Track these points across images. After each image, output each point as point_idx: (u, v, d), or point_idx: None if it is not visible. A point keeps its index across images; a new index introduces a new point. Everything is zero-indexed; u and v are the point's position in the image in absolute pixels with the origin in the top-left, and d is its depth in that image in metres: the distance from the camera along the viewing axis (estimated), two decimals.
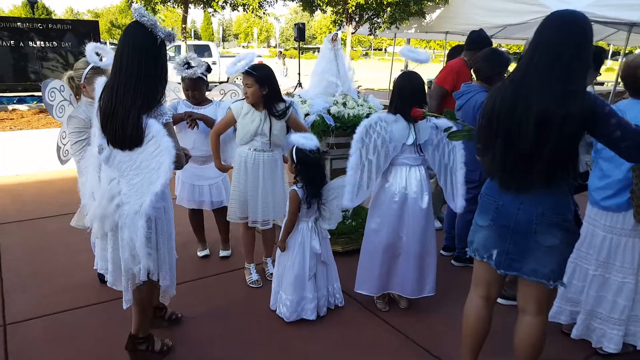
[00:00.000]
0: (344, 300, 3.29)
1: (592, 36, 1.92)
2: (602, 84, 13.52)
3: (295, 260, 3.02)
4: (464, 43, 4.57)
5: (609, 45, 19.53)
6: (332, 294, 3.23)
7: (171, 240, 2.51)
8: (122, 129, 2.17)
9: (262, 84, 3.08)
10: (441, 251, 4.04)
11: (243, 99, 3.21)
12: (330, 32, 4.21)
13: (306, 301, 3.06)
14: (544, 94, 1.90)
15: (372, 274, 3.10)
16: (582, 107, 1.86)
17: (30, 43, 8.51)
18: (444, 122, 2.76)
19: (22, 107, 9.06)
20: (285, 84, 16.05)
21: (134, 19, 2.18)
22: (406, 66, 19.49)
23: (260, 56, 21.33)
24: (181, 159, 2.34)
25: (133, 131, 2.15)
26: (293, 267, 3.02)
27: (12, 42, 8.34)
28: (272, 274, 3.54)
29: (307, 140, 2.87)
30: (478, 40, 4.32)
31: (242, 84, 3.24)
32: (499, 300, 3.21)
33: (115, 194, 2.28)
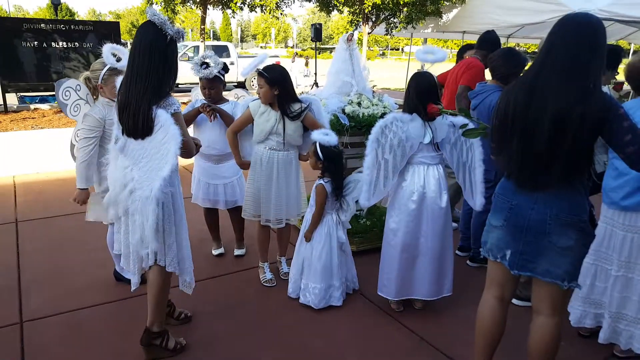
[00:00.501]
0: (359, 303, 3.32)
1: (606, 37, 1.92)
2: (622, 83, 13.29)
3: (322, 250, 3.15)
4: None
5: (630, 44, 19.20)
6: (351, 280, 3.38)
7: (181, 228, 2.56)
8: (134, 119, 2.31)
9: (272, 85, 3.12)
10: (457, 251, 4.02)
11: (259, 101, 3.25)
12: (346, 32, 4.22)
13: (333, 289, 3.21)
14: (559, 93, 1.89)
15: (391, 276, 3.10)
16: (598, 106, 1.85)
17: (53, 44, 8.69)
18: (461, 119, 2.76)
19: (44, 107, 9.25)
20: (306, 84, 16.08)
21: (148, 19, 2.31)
22: (422, 66, 19.35)
23: (277, 56, 21.35)
24: (190, 147, 2.45)
25: (144, 121, 2.29)
26: (321, 257, 3.15)
27: (36, 42, 8.53)
28: (286, 272, 3.59)
29: (329, 137, 3.02)
30: (490, 40, 4.37)
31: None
32: (514, 301, 3.19)
33: (128, 181, 2.40)
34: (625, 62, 3.06)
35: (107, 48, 2.91)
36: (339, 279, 3.21)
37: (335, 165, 3.09)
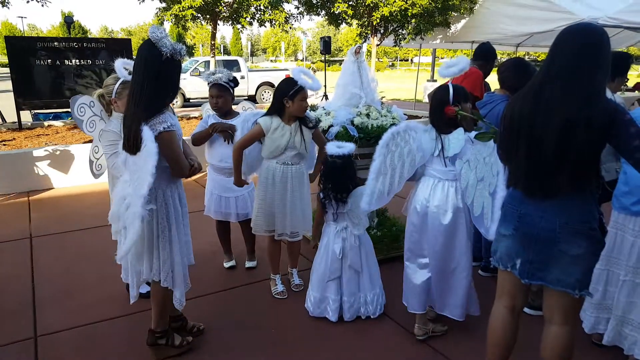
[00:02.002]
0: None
1: (609, 45, 1.94)
2: (633, 90, 13.19)
3: (321, 260, 3.16)
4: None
5: None
6: (364, 304, 3.22)
7: (175, 244, 2.58)
8: (127, 134, 2.39)
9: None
10: None
11: (270, 115, 3.24)
12: (355, 45, 4.25)
13: (328, 301, 3.20)
14: (564, 101, 1.91)
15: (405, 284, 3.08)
16: (603, 112, 1.86)
17: (66, 61, 8.84)
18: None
19: (58, 123, 9.39)
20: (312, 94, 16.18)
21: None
22: (432, 76, 19.42)
23: (287, 69, 21.51)
24: (180, 167, 2.47)
25: (134, 137, 2.34)
26: (319, 267, 3.18)
27: (49, 60, 8.68)
28: (297, 284, 3.60)
29: (337, 147, 3.04)
30: (485, 51, 4.60)
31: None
32: (527, 310, 3.17)
33: (126, 195, 2.46)
34: (635, 67, 3.06)
35: (120, 63, 2.97)
36: (335, 294, 3.16)
37: (327, 172, 3.08)
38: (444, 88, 2.80)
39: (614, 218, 2.73)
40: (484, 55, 4.61)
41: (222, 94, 3.64)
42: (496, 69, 3.78)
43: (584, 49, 1.91)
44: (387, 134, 2.82)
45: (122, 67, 2.96)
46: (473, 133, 2.65)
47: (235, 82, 3.68)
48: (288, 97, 3.14)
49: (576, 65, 1.91)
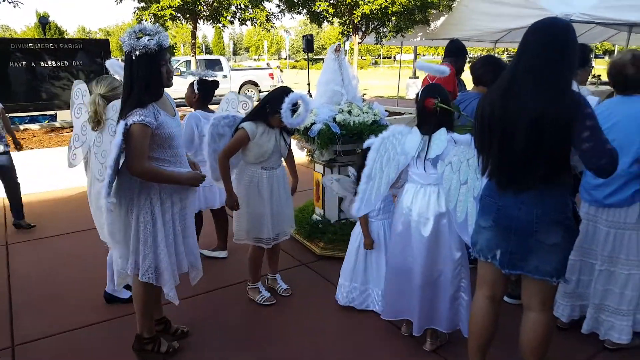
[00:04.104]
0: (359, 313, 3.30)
1: (575, 39, 1.99)
2: (607, 83, 13.45)
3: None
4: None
5: (614, 45, 19.46)
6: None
7: (160, 238, 2.51)
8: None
9: None
10: None
11: (254, 120, 3.15)
12: (337, 42, 4.26)
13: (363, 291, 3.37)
14: (533, 95, 1.95)
15: (385, 293, 3.02)
16: (568, 106, 1.91)
17: (42, 63, 8.68)
18: (465, 138, 2.57)
19: (34, 127, 9.20)
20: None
21: None
22: (414, 73, 19.54)
23: (270, 68, 21.40)
24: (134, 167, 2.37)
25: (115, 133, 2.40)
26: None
27: (24, 62, 8.51)
28: (286, 289, 3.54)
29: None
30: (455, 48, 4.71)
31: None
32: (506, 299, 3.23)
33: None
34: (608, 61, 3.10)
35: (112, 62, 3.05)
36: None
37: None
38: (423, 90, 2.75)
39: (584, 210, 2.80)
40: (455, 52, 4.69)
41: (187, 90, 3.86)
42: (469, 67, 3.79)
43: (550, 44, 1.96)
44: (378, 139, 2.76)
45: (115, 66, 2.99)
46: (457, 135, 2.59)
47: (200, 84, 3.80)
48: (271, 110, 3.10)
49: (541, 60, 1.96)
